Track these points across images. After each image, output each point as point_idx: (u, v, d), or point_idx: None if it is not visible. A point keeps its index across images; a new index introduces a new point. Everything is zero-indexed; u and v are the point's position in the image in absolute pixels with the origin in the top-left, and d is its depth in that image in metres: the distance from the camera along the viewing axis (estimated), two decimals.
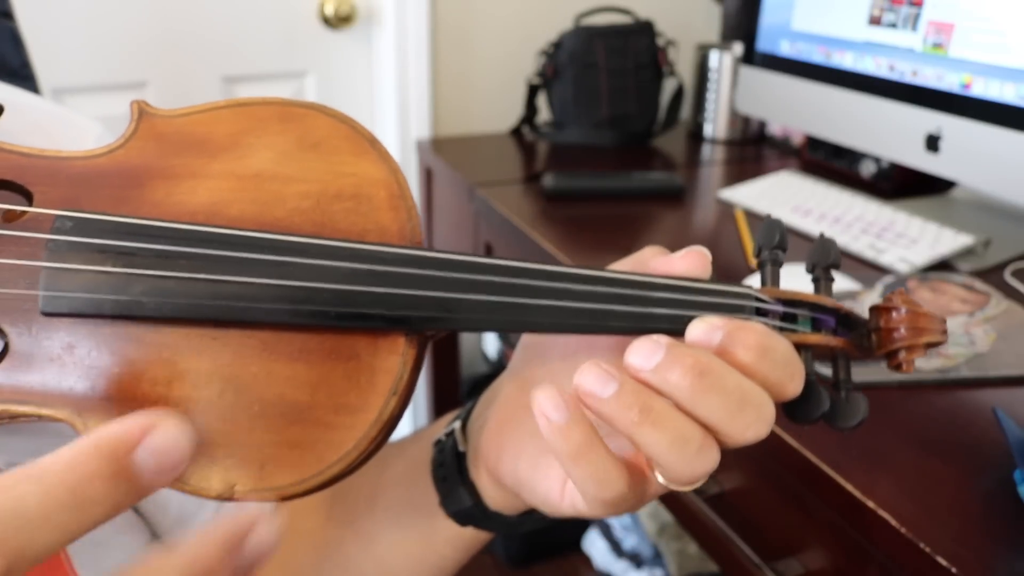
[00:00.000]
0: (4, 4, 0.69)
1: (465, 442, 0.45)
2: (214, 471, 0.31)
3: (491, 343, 1.71)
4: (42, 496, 0.22)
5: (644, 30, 1.38)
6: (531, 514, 0.44)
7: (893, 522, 0.51)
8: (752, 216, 1.02)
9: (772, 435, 0.59)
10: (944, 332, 0.35)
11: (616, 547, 1.51)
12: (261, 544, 0.27)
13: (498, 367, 1.69)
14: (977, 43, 0.89)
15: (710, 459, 0.29)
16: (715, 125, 1.45)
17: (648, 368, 0.28)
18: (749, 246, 0.94)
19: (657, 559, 1.47)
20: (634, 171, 1.21)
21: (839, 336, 0.35)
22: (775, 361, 0.30)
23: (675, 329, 0.32)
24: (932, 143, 0.94)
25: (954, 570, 0.47)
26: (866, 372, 0.66)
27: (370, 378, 0.32)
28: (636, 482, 0.31)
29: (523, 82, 1.45)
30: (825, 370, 0.36)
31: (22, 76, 0.68)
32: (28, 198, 0.34)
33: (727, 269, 0.88)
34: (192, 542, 0.25)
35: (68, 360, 0.32)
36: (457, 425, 0.46)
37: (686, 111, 1.52)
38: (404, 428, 0.52)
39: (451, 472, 0.45)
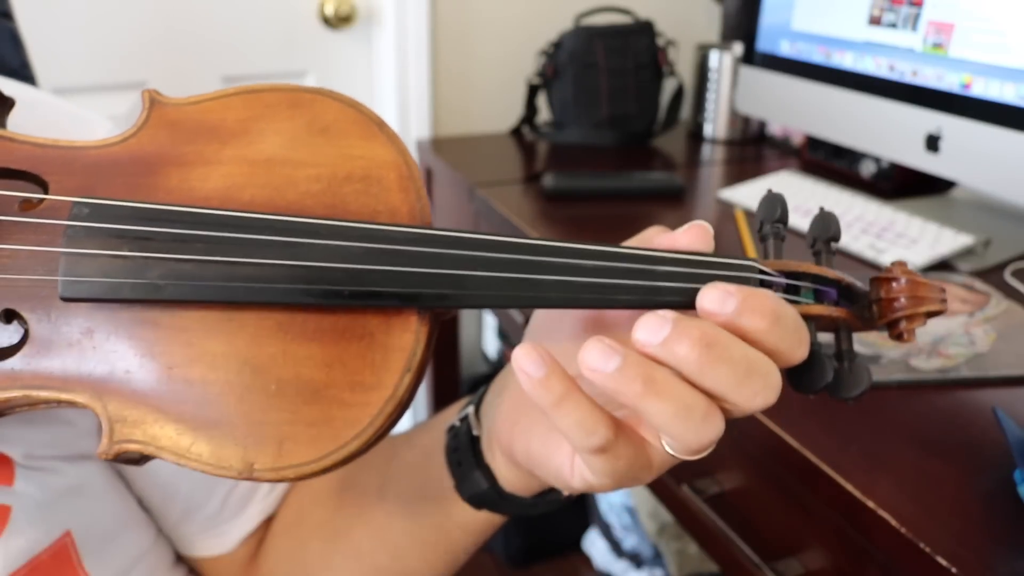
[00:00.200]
0: (3, 4, 0.69)
1: (479, 426, 0.46)
2: (234, 450, 0.31)
3: (491, 343, 1.71)
4: None
5: (644, 30, 1.38)
6: (545, 495, 0.45)
7: (893, 522, 0.51)
8: (752, 216, 1.02)
9: (772, 435, 0.60)
10: (943, 301, 0.35)
11: (616, 547, 1.51)
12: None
13: (498, 367, 1.69)
14: (977, 43, 0.89)
15: (715, 427, 0.30)
16: (715, 125, 1.45)
17: (656, 342, 0.29)
18: (749, 246, 0.94)
19: (657, 559, 1.47)
20: (634, 171, 1.21)
21: (841, 307, 0.36)
22: (786, 327, 0.31)
23: (683, 302, 0.32)
24: (932, 143, 0.94)
25: (954, 570, 0.47)
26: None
27: (384, 356, 0.33)
28: (631, 441, 0.32)
29: (523, 82, 1.45)
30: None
31: (22, 76, 0.68)
32: (44, 188, 0.35)
33: None
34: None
35: (87, 345, 0.32)
36: (471, 410, 0.47)
37: (686, 111, 1.52)
38: (405, 427, 0.52)
39: (466, 456, 0.46)
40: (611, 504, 1.51)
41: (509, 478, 0.44)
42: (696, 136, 1.47)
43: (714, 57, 1.42)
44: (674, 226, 0.36)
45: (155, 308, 0.32)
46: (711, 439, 0.30)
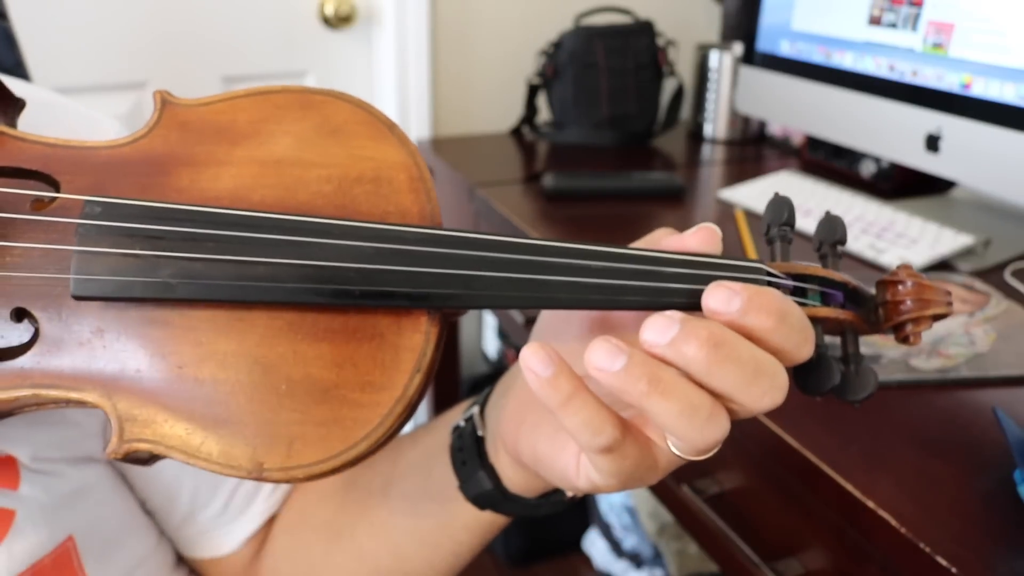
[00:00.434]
0: None
1: (484, 426, 0.46)
2: (243, 450, 0.31)
3: (491, 343, 1.71)
4: None
5: (644, 30, 1.38)
6: (549, 496, 0.45)
7: (893, 522, 0.51)
8: (752, 216, 1.02)
9: (772, 435, 0.60)
10: (950, 304, 0.35)
11: (616, 547, 1.52)
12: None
13: (498, 367, 1.69)
14: (977, 43, 0.89)
15: (720, 427, 0.30)
16: (715, 125, 1.45)
17: (664, 342, 0.29)
18: (749, 246, 0.94)
19: (657, 559, 1.47)
20: (634, 171, 1.21)
21: (847, 310, 0.36)
22: (792, 325, 0.31)
23: (690, 303, 0.32)
24: (932, 143, 0.94)
25: (954, 570, 0.47)
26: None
27: (394, 356, 0.33)
28: (637, 441, 0.32)
29: (523, 82, 1.45)
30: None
31: (16, 76, 0.68)
32: (55, 187, 0.35)
33: None
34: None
35: (97, 344, 0.32)
36: (475, 410, 0.47)
37: (686, 111, 1.52)
38: (407, 428, 0.52)
39: (470, 456, 0.46)
40: (611, 504, 1.51)
41: (514, 479, 0.44)
42: (696, 136, 1.47)
43: (714, 57, 1.42)
44: (675, 226, 0.36)
45: (166, 307, 0.33)
46: (717, 439, 0.30)
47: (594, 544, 1.56)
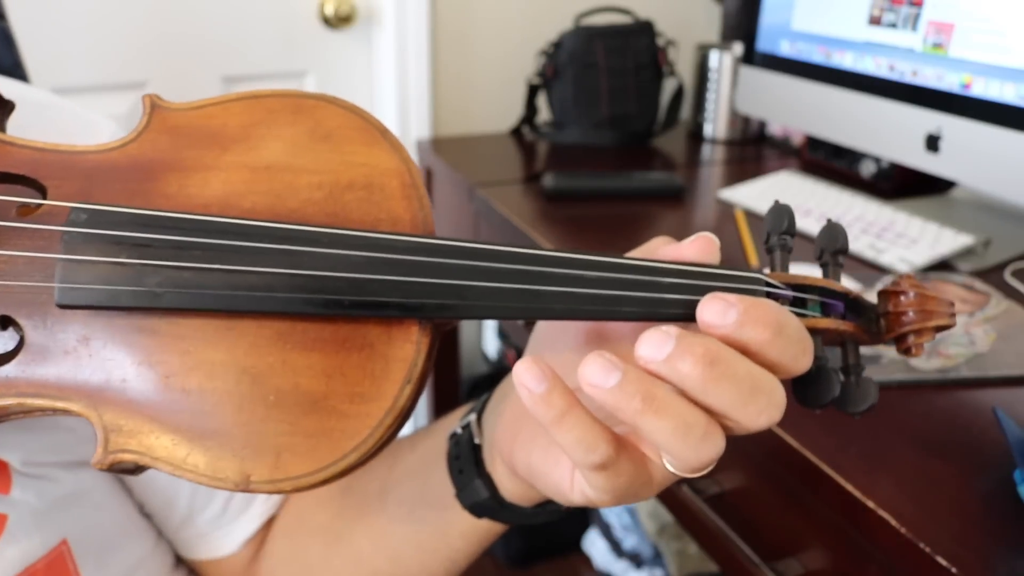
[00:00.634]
0: None
1: (481, 434, 0.46)
2: (231, 461, 0.31)
3: (491, 343, 1.71)
4: None
5: (644, 30, 1.38)
6: (546, 506, 0.45)
7: (893, 522, 0.51)
8: (752, 216, 1.02)
9: (772, 435, 0.60)
10: (953, 316, 0.35)
11: (616, 547, 1.51)
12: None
13: (498, 367, 1.69)
14: (977, 43, 0.89)
15: (715, 445, 0.30)
16: (715, 125, 1.45)
17: (659, 358, 0.28)
18: (749, 246, 0.94)
19: (657, 559, 1.47)
20: (634, 171, 1.21)
21: (848, 321, 0.35)
22: (789, 337, 0.30)
23: (687, 314, 0.32)
24: (932, 143, 0.94)
25: (954, 570, 0.47)
26: (867, 372, 0.65)
27: (384, 367, 0.32)
28: (631, 458, 0.32)
29: (523, 82, 1.45)
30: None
31: (14, 76, 0.68)
32: (42, 192, 0.35)
33: None
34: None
35: (83, 353, 0.32)
36: (473, 418, 0.47)
37: (686, 111, 1.52)
38: (405, 430, 0.52)
39: (467, 464, 0.45)
40: None
41: (510, 488, 0.44)
42: (696, 136, 1.47)
43: (714, 57, 1.42)
44: (675, 226, 0.36)
45: (153, 316, 0.32)
46: (711, 458, 0.30)
47: (594, 544, 1.56)
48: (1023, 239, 0.95)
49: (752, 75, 1.23)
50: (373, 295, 0.32)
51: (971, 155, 0.90)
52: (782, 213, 0.37)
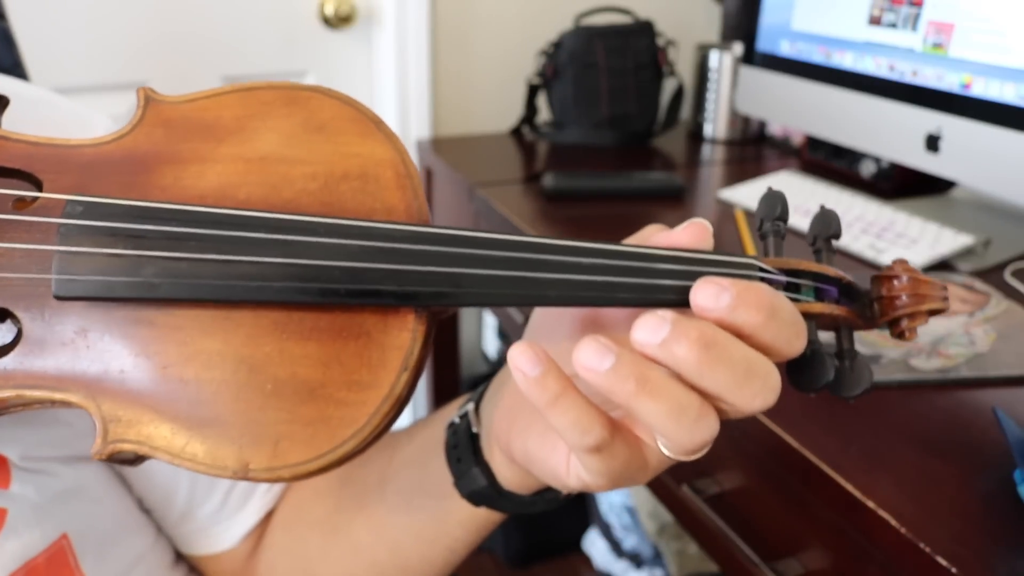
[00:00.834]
0: None
1: (479, 423, 0.46)
2: (229, 450, 0.31)
3: (491, 343, 1.71)
4: None
5: (644, 30, 1.38)
6: (543, 494, 0.45)
7: (893, 522, 0.51)
8: (752, 216, 1.02)
9: (772, 435, 0.60)
10: (946, 299, 0.35)
11: (616, 547, 1.51)
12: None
13: (498, 367, 1.69)
14: (977, 43, 0.89)
15: (709, 427, 0.30)
16: (715, 125, 1.45)
17: (655, 343, 0.29)
18: (749, 246, 0.94)
19: (657, 559, 1.47)
20: (634, 171, 1.21)
21: (842, 306, 0.35)
22: (783, 320, 0.31)
23: (681, 300, 0.32)
24: (932, 143, 0.94)
25: (954, 570, 0.47)
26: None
27: (381, 355, 0.32)
28: (626, 441, 0.32)
29: (523, 82, 1.45)
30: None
31: (15, 76, 0.68)
32: (38, 186, 0.35)
33: None
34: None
35: (81, 344, 0.32)
36: (470, 407, 0.47)
37: (686, 111, 1.52)
38: (403, 423, 0.52)
39: (465, 453, 0.46)
40: (611, 504, 1.51)
41: (507, 476, 0.44)
42: (696, 136, 1.47)
43: (714, 57, 1.42)
44: (674, 226, 0.36)
45: (150, 307, 0.32)
46: (705, 440, 0.30)
47: (594, 544, 1.56)
48: (1023, 239, 0.95)
49: (752, 75, 1.23)
50: (369, 283, 0.32)
51: (971, 155, 0.90)
52: (775, 200, 0.37)
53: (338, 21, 1.39)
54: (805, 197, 1.05)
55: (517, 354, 0.29)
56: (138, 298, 0.32)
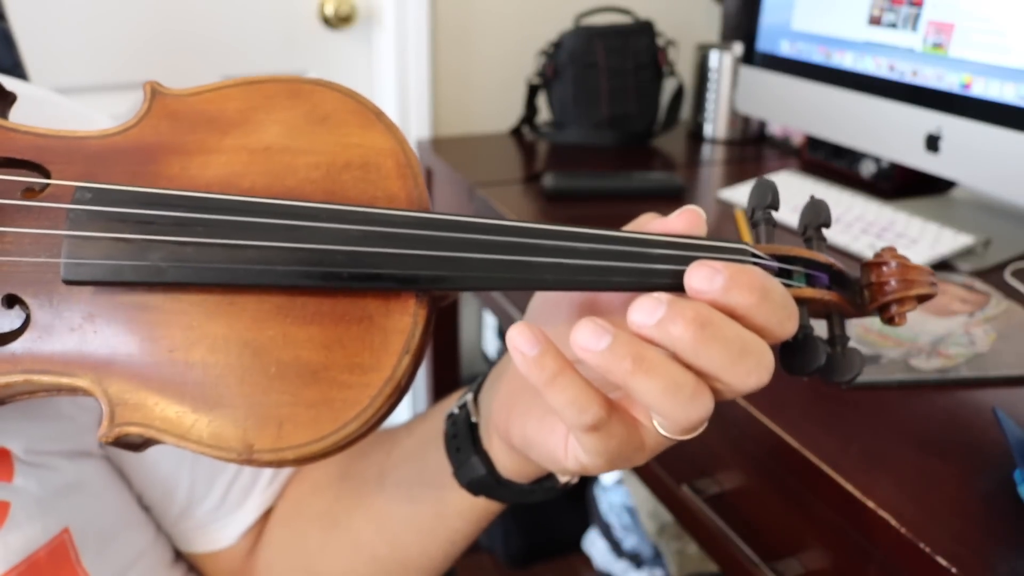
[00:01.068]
0: None
1: (477, 413, 0.46)
2: (233, 432, 0.31)
3: (491, 343, 1.71)
4: None
5: (644, 30, 1.38)
6: (542, 483, 0.46)
7: (893, 522, 0.51)
8: None
9: (772, 435, 0.60)
10: (934, 284, 0.36)
11: (616, 547, 1.51)
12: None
13: None
14: (977, 43, 0.89)
15: (704, 405, 0.30)
16: (715, 125, 1.45)
17: (651, 323, 0.29)
18: None
19: (657, 559, 1.47)
20: (634, 171, 1.21)
21: (833, 291, 0.36)
22: (775, 302, 0.31)
23: (676, 284, 0.32)
24: (932, 143, 0.94)
25: (954, 570, 0.47)
26: (867, 372, 0.66)
27: (383, 338, 0.33)
28: (623, 420, 0.33)
29: (523, 82, 1.44)
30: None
31: (15, 77, 0.68)
32: (46, 177, 0.35)
33: None
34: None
35: (88, 329, 0.33)
36: (469, 397, 0.47)
37: (686, 111, 1.52)
38: (401, 418, 0.53)
39: (464, 442, 0.46)
40: (611, 504, 1.51)
41: (506, 463, 0.44)
42: (696, 136, 1.47)
43: (714, 57, 1.42)
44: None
45: (156, 292, 0.33)
46: (701, 417, 0.31)
47: (594, 544, 1.56)
48: (1023, 239, 0.95)
49: (752, 75, 1.23)
50: (370, 267, 0.32)
51: (971, 155, 0.90)
52: (766, 188, 0.38)
53: (338, 21, 1.39)
54: (805, 197, 1.05)
55: (515, 334, 0.30)
56: (145, 283, 0.32)
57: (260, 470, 0.56)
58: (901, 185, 1.12)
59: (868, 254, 0.88)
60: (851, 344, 0.36)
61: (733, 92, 1.39)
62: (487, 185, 1.18)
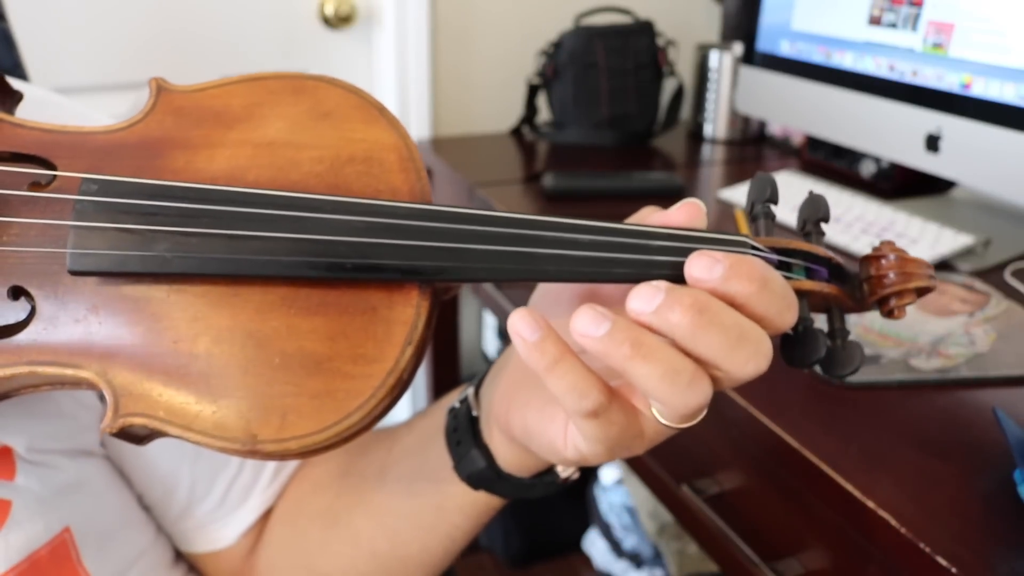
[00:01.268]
0: None
1: (478, 407, 0.47)
2: (237, 422, 0.31)
3: (491, 343, 1.71)
4: None
5: (644, 30, 1.38)
6: (542, 476, 0.46)
7: (893, 522, 0.51)
8: None
9: (772, 435, 0.60)
10: (932, 277, 0.36)
11: (616, 547, 1.51)
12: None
13: None
14: (977, 43, 0.89)
15: (702, 391, 0.31)
16: (715, 125, 1.45)
17: (649, 310, 0.30)
18: None
19: (657, 559, 1.47)
20: (634, 171, 1.21)
21: (832, 284, 0.36)
22: (774, 291, 0.31)
23: (676, 275, 0.33)
24: (932, 143, 0.94)
25: (954, 570, 0.47)
26: (867, 372, 0.66)
27: (386, 329, 0.33)
28: (623, 408, 0.33)
29: (523, 82, 1.44)
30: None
31: (15, 76, 0.68)
32: (53, 171, 0.35)
33: None
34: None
35: (93, 320, 0.33)
36: (470, 391, 0.48)
37: (686, 111, 1.52)
38: (401, 415, 0.53)
39: (465, 436, 0.46)
40: (611, 504, 1.51)
41: (507, 456, 0.45)
42: (696, 136, 1.47)
43: (714, 57, 1.42)
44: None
45: (161, 283, 0.33)
46: (698, 404, 0.31)
47: (594, 544, 1.56)
48: (1023, 239, 0.95)
49: (752, 75, 1.23)
50: (374, 258, 0.33)
51: (971, 155, 0.90)
52: (765, 182, 0.38)
53: (338, 21, 1.39)
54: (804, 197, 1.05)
55: (517, 319, 0.30)
56: (150, 273, 0.32)
57: (260, 470, 0.56)
58: (901, 185, 1.12)
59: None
60: (851, 338, 0.36)
61: (733, 92, 1.39)
62: (487, 185, 1.18)
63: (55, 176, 0.34)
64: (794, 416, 0.61)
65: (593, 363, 0.31)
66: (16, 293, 0.33)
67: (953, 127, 0.92)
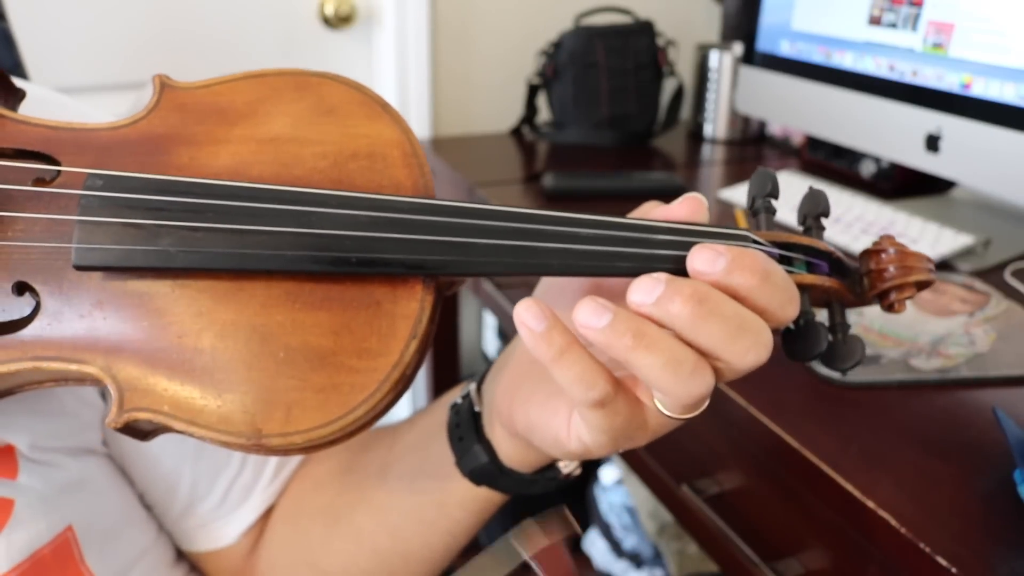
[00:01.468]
0: None
1: (480, 402, 0.47)
2: (242, 417, 0.32)
3: (491, 343, 1.71)
4: None
5: (644, 30, 1.38)
6: (544, 472, 0.46)
7: (893, 522, 0.51)
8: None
9: (772, 435, 0.60)
10: (931, 271, 0.36)
11: (616, 547, 1.51)
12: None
13: None
14: (977, 43, 0.89)
15: (704, 381, 0.31)
16: (715, 125, 1.45)
17: (650, 302, 0.30)
18: None
19: (657, 559, 1.47)
20: (634, 171, 1.21)
21: (833, 278, 0.36)
22: (776, 284, 0.32)
23: (678, 269, 0.33)
24: (932, 143, 0.94)
25: (954, 570, 0.47)
26: (867, 372, 0.66)
27: (390, 323, 0.33)
28: (627, 399, 0.33)
29: (523, 82, 1.45)
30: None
31: (15, 76, 0.68)
32: (57, 167, 0.36)
33: None
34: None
35: (98, 315, 0.33)
36: (472, 387, 0.48)
37: (686, 111, 1.52)
38: (403, 413, 0.53)
39: (467, 431, 0.47)
40: (611, 504, 1.51)
41: (509, 452, 0.45)
42: (696, 136, 1.47)
43: (714, 57, 1.42)
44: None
45: (165, 278, 0.33)
46: (700, 394, 0.31)
47: (594, 544, 1.56)
48: (1023, 239, 0.95)
49: (752, 75, 1.23)
50: (378, 253, 0.33)
51: (971, 155, 0.90)
52: (765, 178, 0.38)
53: (338, 21, 1.39)
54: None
55: (523, 310, 0.31)
56: (155, 268, 0.32)
57: (261, 468, 0.56)
58: (901, 185, 1.12)
59: None
60: (852, 332, 0.36)
61: (733, 92, 1.39)
62: (487, 185, 1.18)
63: (59, 172, 0.35)
64: (794, 416, 0.61)
65: (598, 356, 0.32)
66: (21, 288, 0.33)
67: (953, 127, 0.92)
